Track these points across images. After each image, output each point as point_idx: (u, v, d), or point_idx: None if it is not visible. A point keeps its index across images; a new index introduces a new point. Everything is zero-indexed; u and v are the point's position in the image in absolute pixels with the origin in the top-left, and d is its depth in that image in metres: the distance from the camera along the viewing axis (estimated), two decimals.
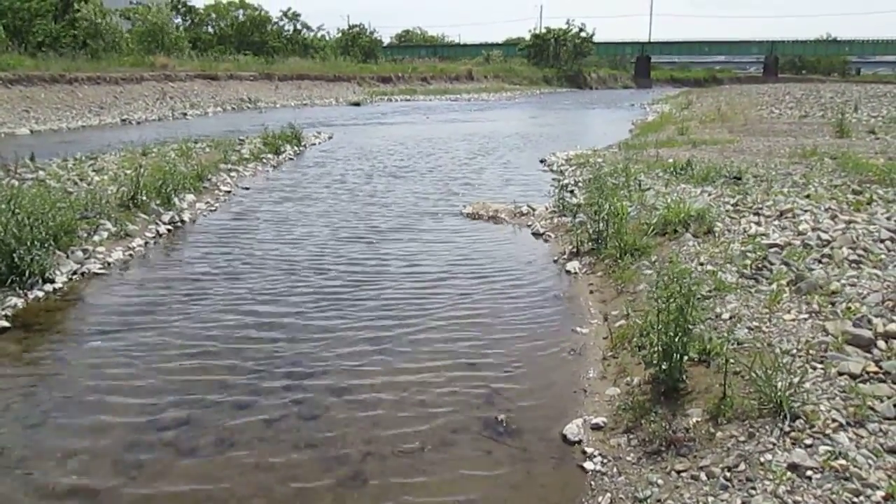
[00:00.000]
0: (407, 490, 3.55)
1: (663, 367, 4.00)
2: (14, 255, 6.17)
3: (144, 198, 9.08)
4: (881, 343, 3.93)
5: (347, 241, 8.49)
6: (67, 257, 6.99)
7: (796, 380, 3.56)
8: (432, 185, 12.53)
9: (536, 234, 8.86)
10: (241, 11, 54.83)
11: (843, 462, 3.04)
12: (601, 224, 7.43)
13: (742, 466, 3.19)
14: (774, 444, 3.26)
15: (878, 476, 2.95)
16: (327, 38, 62.33)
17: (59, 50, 31.26)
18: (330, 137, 20.41)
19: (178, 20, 50.09)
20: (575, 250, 7.63)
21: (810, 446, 3.19)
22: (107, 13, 36.55)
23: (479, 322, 5.82)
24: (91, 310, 6.15)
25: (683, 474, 3.33)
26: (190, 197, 10.33)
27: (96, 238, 7.68)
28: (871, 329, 4.05)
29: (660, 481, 3.35)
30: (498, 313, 6.03)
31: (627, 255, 6.66)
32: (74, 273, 6.84)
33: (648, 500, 3.25)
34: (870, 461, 3.04)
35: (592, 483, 3.54)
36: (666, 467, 3.43)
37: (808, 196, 7.92)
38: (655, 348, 4.07)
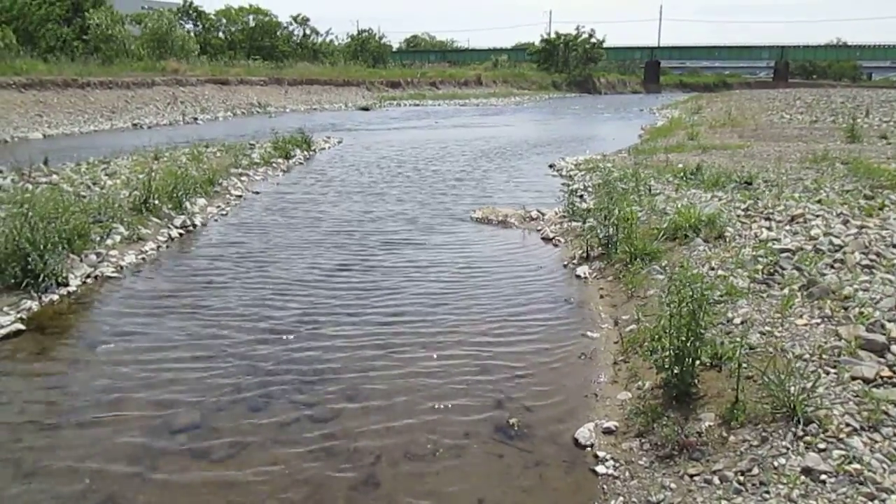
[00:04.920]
0: (419, 493, 3.56)
1: (675, 371, 4.00)
2: (28, 258, 6.22)
3: (156, 202, 9.14)
4: (895, 348, 3.92)
5: (358, 246, 8.52)
6: (81, 261, 7.05)
7: (809, 384, 3.55)
8: (441, 190, 12.55)
9: (546, 239, 8.86)
10: (251, 17, 55.19)
11: (857, 466, 3.03)
12: (611, 229, 7.42)
13: (755, 470, 3.19)
14: (788, 449, 3.25)
15: (892, 480, 2.94)
16: (336, 42, 62.68)
17: (70, 54, 31.54)
18: (339, 142, 20.48)
19: (189, 25, 50.49)
20: (585, 255, 7.63)
21: (824, 450, 3.18)
22: (118, 20, 36.88)
23: (489, 326, 5.82)
24: (104, 312, 6.20)
25: (696, 478, 3.33)
26: (201, 201, 10.39)
27: (109, 242, 7.74)
28: (884, 334, 4.04)
29: (672, 485, 3.35)
30: (508, 317, 6.04)
31: (637, 259, 6.65)
32: (88, 276, 6.90)
33: None
34: (884, 465, 3.03)
35: (604, 487, 3.55)
36: (679, 471, 3.43)
37: (819, 201, 7.90)
38: (667, 353, 4.07)
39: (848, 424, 3.31)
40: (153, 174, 9.53)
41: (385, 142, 20.94)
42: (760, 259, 5.78)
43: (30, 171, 10.65)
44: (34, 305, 6.06)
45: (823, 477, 3.03)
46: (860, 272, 5.19)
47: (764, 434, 3.41)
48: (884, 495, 2.87)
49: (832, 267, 5.40)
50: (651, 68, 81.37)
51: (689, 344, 3.94)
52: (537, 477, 3.70)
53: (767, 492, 3.05)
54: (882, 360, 3.83)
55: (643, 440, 3.83)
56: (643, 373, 4.56)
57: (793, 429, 3.36)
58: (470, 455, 3.90)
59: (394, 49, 74.36)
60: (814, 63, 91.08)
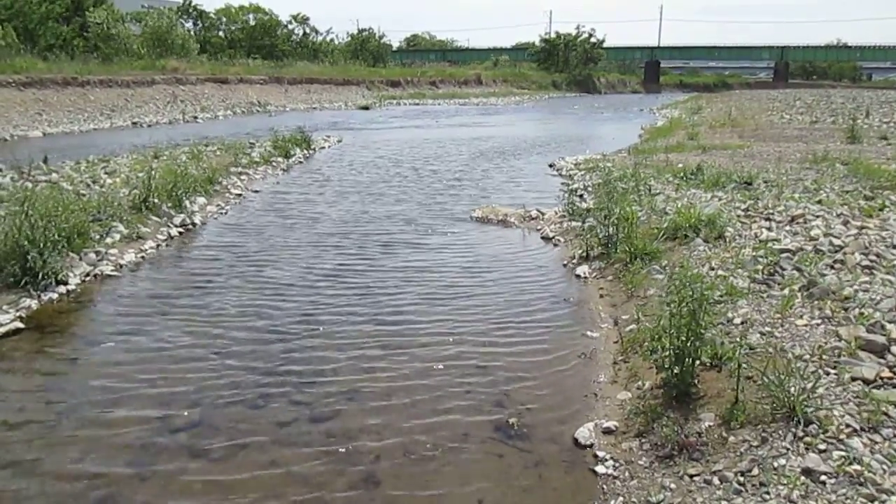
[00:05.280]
0: (419, 493, 3.56)
1: (675, 371, 4.00)
2: (28, 256, 6.21)
3: (156, 200, 9.14)
4: (895, 349, 3.91)
5: (358, 245, 8.52)
6: (80, 259, 7.04)
7: (809, 385, 3.55)
8: (441, 189, 12.54)
9: (546, 239, 8.86)
10: (251, 15, 55.22)
11: (857, 467, 3.03)
12: (611, 228, 7.41)
13: (755, 471, 3.19)
14: (788, 449, 3.25)
15: (892, 481, 2.94)
16: (336, 42, 62.69)
17: (70, 53, 31.53)
18: (339, 141, 20.47)
19: (189, 24, 50.53)
20: (585, 255, 7.62)
21: (824, 451, 3.18)
22: (119, 18, 36.89)
23: (488, 325, 5.82)
24: (103, 311, 6.19)
25: (696, 479, 3.32)
26: (201, 200, 10.38)
27: (108, 240, 7.73)
28: (884, 334, 4.03)
29: (672, 485, 3.35)
30: (507, 317, 6.03)
31: (637, 259, 6.65)
32: (87, 275, 6.89)
33: None
34: (884, 466, 3.03)
35: (604, 487, 3.54)
36: (678, 471, 3.43)
37: (819, 201, 7.90)
38: (667, 353, 4.07)
39: (848, 425, 3.30)
40: (153, 173, 9.51)
41: (385, 141, 20.92)
42: (760, 259, 5.78)
43: (29, 170, 10.64)
44: (33, 304, 6.05)
45: (823, 478, 3.02)
46: (860, 273, 5.19)
47: (764, 434, 3.41)
48: (884, 496, 2.87)
49: (832, 267, 5.40)
50: (651, 68, 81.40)
51: (689, 344, 3.94)
52: (537, 477, 3.69)
53: (767, 492, 3.04)
54: (882, 360, 3.83)
55: (643, 440, 3.82)
56: (643, 373, 4.55)
57: (793, 429, 3.35)
58: (470, 455, 3.89)
59: (394, 48, 74.37)
60: (814, 63, 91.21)
